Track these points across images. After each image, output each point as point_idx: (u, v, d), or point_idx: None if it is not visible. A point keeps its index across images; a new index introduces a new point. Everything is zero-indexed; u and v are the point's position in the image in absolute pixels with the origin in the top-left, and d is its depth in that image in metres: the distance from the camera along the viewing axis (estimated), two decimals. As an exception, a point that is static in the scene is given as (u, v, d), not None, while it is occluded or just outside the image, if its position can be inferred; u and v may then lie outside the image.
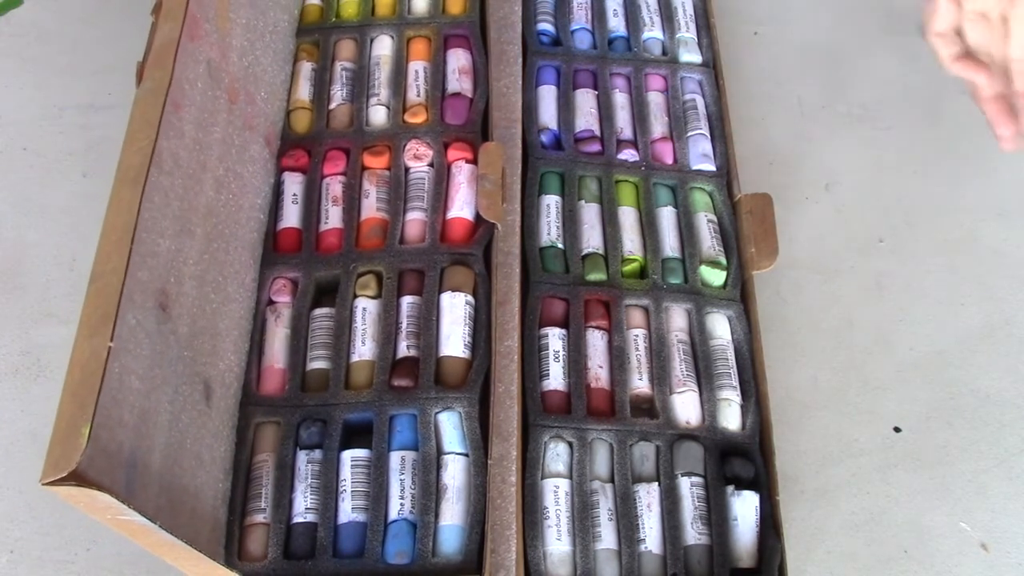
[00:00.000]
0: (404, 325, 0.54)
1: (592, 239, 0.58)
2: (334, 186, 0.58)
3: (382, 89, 0.62)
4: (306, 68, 0.63)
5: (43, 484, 0.34)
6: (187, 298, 0.45)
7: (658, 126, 0.63)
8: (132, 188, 0.41)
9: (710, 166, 0.62)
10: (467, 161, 0.59)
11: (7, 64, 0.73)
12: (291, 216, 0.58)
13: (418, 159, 0.59)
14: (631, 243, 0.58)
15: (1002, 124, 0.56)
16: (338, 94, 0.62)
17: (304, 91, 0.62)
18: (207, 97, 0.49)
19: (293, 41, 0.64)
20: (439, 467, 0.50)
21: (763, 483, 0.51)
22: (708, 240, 0.59)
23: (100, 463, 0.35)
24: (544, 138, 0.62)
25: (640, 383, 0.54)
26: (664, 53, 0.67)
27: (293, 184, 0.59)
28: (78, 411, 0.35)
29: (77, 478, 0.34)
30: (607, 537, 0.50)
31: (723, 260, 0.58)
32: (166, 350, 0.43)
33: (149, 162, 0.41)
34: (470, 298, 0.54)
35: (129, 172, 0.41)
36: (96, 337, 0.37)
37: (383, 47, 0.64)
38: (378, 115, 0.61)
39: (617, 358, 0.54)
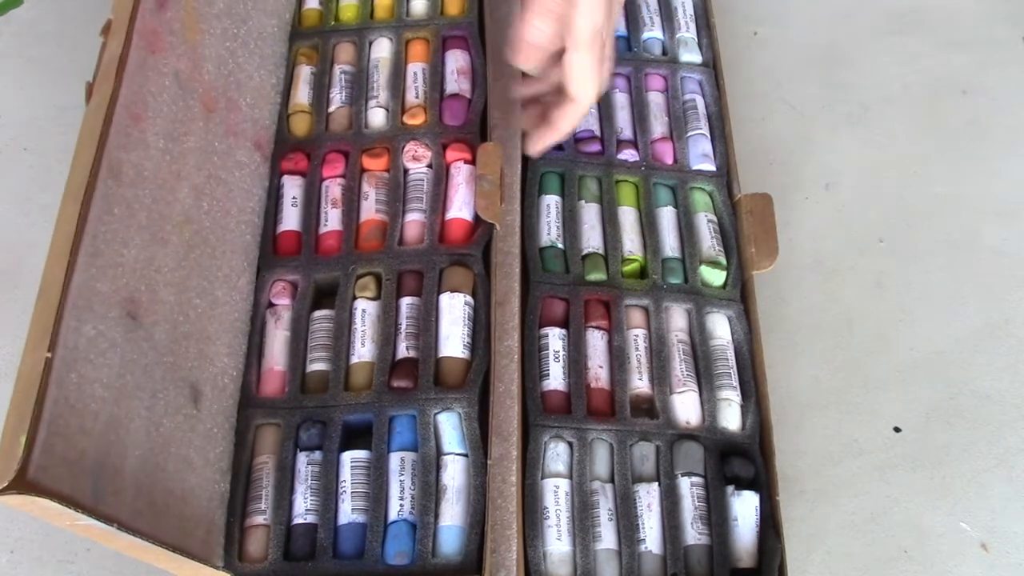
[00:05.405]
0: (403, 326, 0.54)
1: (592, 239, 0.58)
2: (333, 189, 0.58)
3: (381, 91, 0.62)
4: (305, 72, 0.63)
5: None
6: (164, 305, 0.45)
7: (658, 126, 0.63)
8: (74, 203, 0.41)
9: (710, 166, 0.62)
10: (466, 162, 0.59)
11: (7, 64, 0.73)
12: (290, 219, 0.58)
13: (417, 160, 0.59)
14: (631, 243, 0.58)
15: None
16: (337, 97, 0.62)
17: (303, 95, 0.62)
18: (177, 107, 0.49)
19: (285, 45, 0.63)
20: (439, 468, 0.50)
21: (763, 483, 0.51)
22: (708, 240, 0.59)
23: (57, 471, 0.36)
24: (544, 138, 0.62)
25: (640, 383, 0.54)
26: (664, 53, 0.66)
27: (292, 187, 0.59)
28: (18, 423, 0.36)
29: (20, 486, 0.35)
30: (607, 537, 0.50)
31: (723, 260, 0.58)
32: (139, 357, 0.43)
33: (95, 176, 0.42)
34: (469, 298, 0.54)
35: (72, 188, 0.42)
36: (38, 350, 0.38)
37: (382, 49, 0.64)
38: (377, 117, 0.61)
39: (617, 358, 0.54)
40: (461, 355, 0.53)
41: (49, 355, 0.37)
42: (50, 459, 0.36)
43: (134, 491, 0.41)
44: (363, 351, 0.53)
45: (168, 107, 0.48)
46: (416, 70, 0.63)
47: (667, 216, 0.60)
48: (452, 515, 0.49)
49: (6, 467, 0.35)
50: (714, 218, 0.60)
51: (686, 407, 0.53)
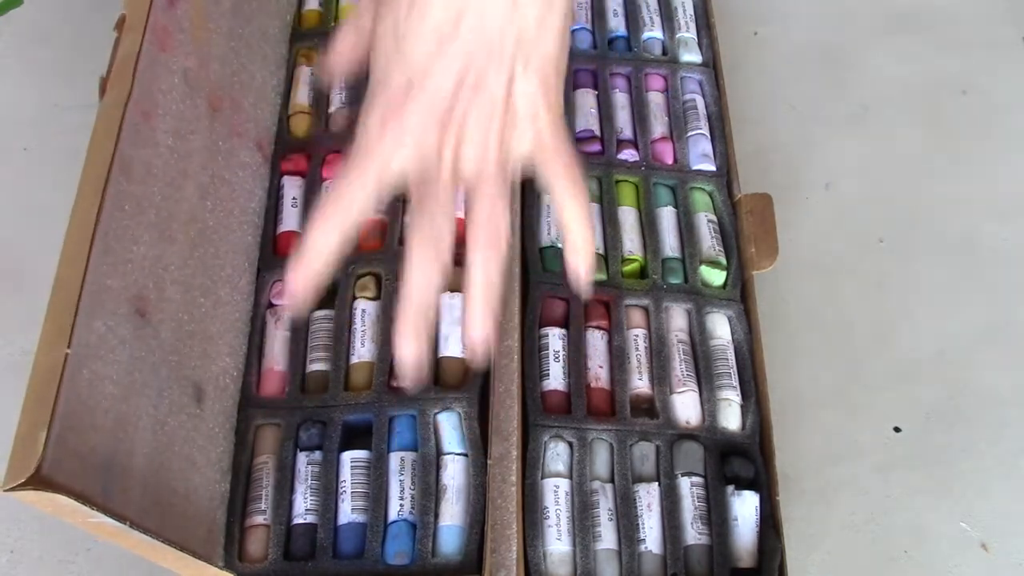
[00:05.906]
0: (404, 326, 0.54)
1: (592, 239, 0.58)
2: (333, 189, 0.58)
3: (381, 91, 0.62)
4: (305, 73, 0.63)
5: (4, 490, 0.35)
6: (171, 303, 0.45)
7: (658, 126, 0.63)
8: (90, 199, 0.41)
9: (710, 166, 0.62)
10: (466, 161, 0.59)
11: (7, 64, 0.73)
12: (291, 220, 0.58)
13: (418, 160, 0.59)
14: (631, 243, 0.58)
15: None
16: (337, 98, 0.62)
17: (303, 96, 0.62)
18: (185, 106, 0.49)
19: (286, 46, 0.63)
20: (438, 467, 0.50)
21: (763, 483, 0.51)
22: (708, 240, 0.59)
23: (70, 468, 0.36)
24: (544, 138, 0.62)
25: (640, 383, 0.54)
26: (664, 53, 0.66)
27: (293, 188, 0.59)
28: (36, 420, 0.36)
29: (37, 482, 0.34)
30: (607, 537, 0.50)
31: (723, 260, 0.58)
32: (146, 355, 0.43)
33: (108, 173, 0.42)
34: (469, 299, 0.54)
35: (88, 184, 0.42)
36: (55, 346, 0.38)
37: (382, 49, 0.64)
38: (377, 117, 0.61)
39: (617, 358, 0.54)
40: (461, 355, 0.53)
41: (68, 351, 0.37)
42: (63, 455, 0.36)
43: (141, 489, 0.41)
44: (363, 351, 0.53)
45: (176, 105, 0.48)
46: (416, 70, 0.63)
47: (667, 216, 0.60)
48: (452, 515, 0.49)
49: (24, 463, 0.35)
50: (714, 218, 0.60)
51: (686, 407, 0.53)
